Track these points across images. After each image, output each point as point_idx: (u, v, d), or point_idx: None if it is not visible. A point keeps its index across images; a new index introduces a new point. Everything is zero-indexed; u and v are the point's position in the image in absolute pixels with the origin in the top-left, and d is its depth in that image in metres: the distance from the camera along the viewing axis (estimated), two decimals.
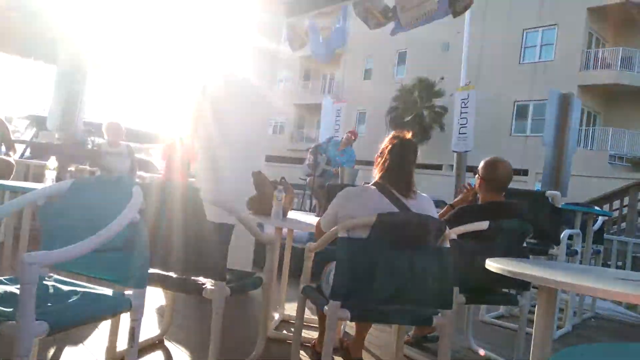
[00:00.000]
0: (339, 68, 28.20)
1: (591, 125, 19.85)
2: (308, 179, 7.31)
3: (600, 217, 4.72)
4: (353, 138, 7.41)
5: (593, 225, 4.39)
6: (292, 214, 3.22)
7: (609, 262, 5.63)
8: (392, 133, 2.35)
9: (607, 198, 8.77)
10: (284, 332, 3.11)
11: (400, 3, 3.85)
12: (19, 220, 3.55)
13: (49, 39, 5.65)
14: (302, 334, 2.47)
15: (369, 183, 2.37)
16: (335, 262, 2.08)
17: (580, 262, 4.12)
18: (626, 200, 8.72)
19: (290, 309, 3.35)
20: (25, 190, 2.53)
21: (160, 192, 2.29)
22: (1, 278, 1.77)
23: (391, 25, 4.11)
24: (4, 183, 3.44)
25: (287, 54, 5.53)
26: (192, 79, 6.46)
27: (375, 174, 2.32)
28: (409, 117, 21.55)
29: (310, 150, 7.09)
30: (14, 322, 1.36)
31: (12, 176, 4.68)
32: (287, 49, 5.26)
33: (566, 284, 1.53)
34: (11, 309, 1.44)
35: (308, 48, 5.41)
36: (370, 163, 2.51)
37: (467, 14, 10.38)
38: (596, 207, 5.30)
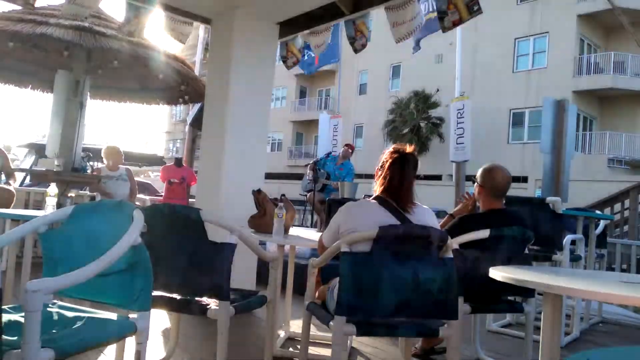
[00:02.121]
0: (334, 84, 28.35)
1: (588, 129, 19.95)
2: (308, 194, 7.31)
3: (602, 221, 4.72)
4: (350, 151, 7.44)
5: (595, 229, 4.39)
6: (293, 231, 3.22)
7: (613, 266, 5.61)
8: (392, 146, 2.36)
9: (608, 201, 8.77)
10: (290, 349, 3.09)
11: (392, 19, 3.90)
12: (21, 248, 3.55)
13: (46, 67, 5.71)
14: (309, 351, 2.46)
15: (370, 196, 2.37)
16: (338, 277, 2.08)
17: (585, 267, 4.11)
18: (627, 203, 8.71)
19: (296, 326, 3.32)
20: (26, 218, 2.53)
21: (161, 214, 2.29)
22: (5, 307, 1.76)
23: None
24: (5, 212, 3.44)
25: (282, 73, 5.58)
26: (190, 101, 6.50)
27: (376, 187, 2.33)
28: (406, 129, 21.65)
29: (308, 165, 7.11)
30: (19, 350, 1.35)
31: (12, 204, 4.69)
32: (282, 69, 5.32)
33: (572, 289, 1.53)
34: (16, 338, 1.44)
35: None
36: (368, 176, 2.52)
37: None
38: (597, 211, 5.29)
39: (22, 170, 6.87)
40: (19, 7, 4.31)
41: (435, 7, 3.63)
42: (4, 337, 1.45)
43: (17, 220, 3.03)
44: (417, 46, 4.40)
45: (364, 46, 4.37)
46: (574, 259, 3.88)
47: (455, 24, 3.52)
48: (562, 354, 1.85)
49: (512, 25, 20.44)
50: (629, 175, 17.51)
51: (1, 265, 3.63)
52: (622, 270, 5.58)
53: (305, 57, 5.26)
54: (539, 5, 20.15)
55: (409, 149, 2.35)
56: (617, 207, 8.87)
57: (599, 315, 4.59)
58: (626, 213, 8.75)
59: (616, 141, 18.88)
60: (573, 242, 3.86)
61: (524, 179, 17.05)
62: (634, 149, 18.97)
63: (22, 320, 1.42)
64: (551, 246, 3.75)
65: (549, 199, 3.85)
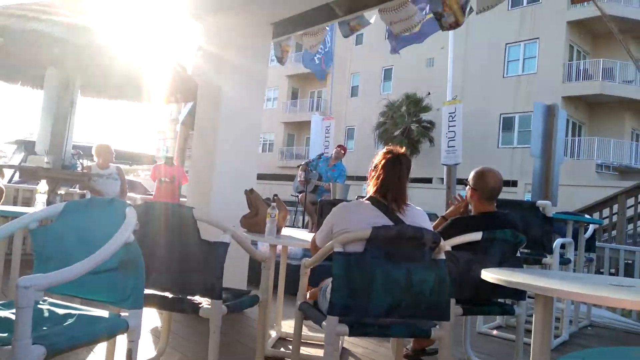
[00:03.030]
0: (326, 86, 28.36)
1: (577, 135, 20.15)
2: (299, 195, 7.31)
3: (591, 225, 4.76)
4: (342, 152, 7.45)
5: (584, 233, 4.43)
6: (285, 231, 3.22)
7: (601, 270, 5.67)
8: (385, 148, 2.37)
9: (597, 206, 8.86)
10: (282, 349, 3.08)
11: (388, 19, 3.92)
12: (9, 245, 3.51)
13: (37, 64, 5.64)
14: (300, 351, 2.45)
15: (363, 197, 2.38)
16: (331, 278, 2.08)
17: (574, 271, 4.14)
18: (615, 208, 8.81)
19: (287, 326, 3.32)
20: (15, 215, 2.50)
21: (154, 212, 2.28)
22: None
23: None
24: None
25: (274, 74, 5.58)
26: (181, 100, 6.47)
27: (369, 188, 2.33)
28: (397, 132, 21.72)
29: (300, 167, 7.10)
30: (9, 347, 1.33)
31: (1, 201, 4.63)
32: (274, 70, 5.31)
33: (567, 292, 1.54)
34: (6, 334, 1.42)
35: (295, 66, 5.48)
36: (359, 178, 2.53)
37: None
38: (587, 216, 5.34)
39: (11, 166, 6.79)
40: (9, 2, 4.26)
41: (430, 10, 3.66)
42: None
43: (6, 216, 3.00)
44: (395, 50, 4.45)
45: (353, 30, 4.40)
46: (564, 262, 3.91)
47: (452, 27, 3.54)
48: (551, 357, 1.86)
49: (503, 30, 20.60)
50: (617, 180, 17.73)
51: None
52: (610, 274, 5.64)
53: (316, 61, 5.29)
54: (530, 11, 20.33)
55: (401, 150, 2.36)
56: (606, 212, 8.97)
57: (587, 318, 4.63)
58: (614, 218, 8.85)
59: (604, 147, 19.08)
60: (562, 246, 3.89)
61: (514, 183, 17.20)
62: (622, 155, 19.20)
63: (13, 317, 1.41)
64: (541, 249, 3.77)
65: (540, 202, 3.87)
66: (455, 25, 3.51)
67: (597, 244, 5.61)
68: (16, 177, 7.15)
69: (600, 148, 19.07)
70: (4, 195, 4.70)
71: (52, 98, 4.99)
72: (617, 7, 17.78)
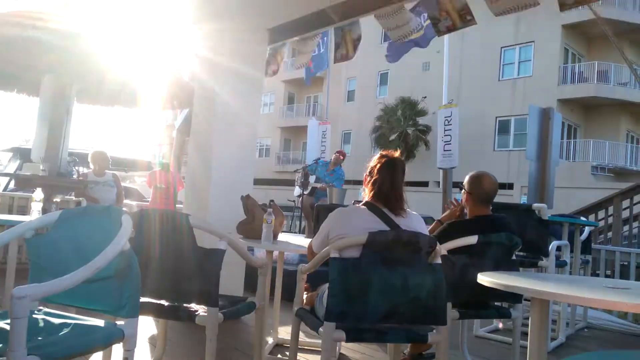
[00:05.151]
0: (322, 90, 28.45)
1: (572, 137, 20.22)
2: (299, 198, 7.33)
3: (586, 228, 4.77)
4: (342, 158, 7.48)
5: (580, 235, 4.44)
6: (282, 236, 3.22)
7: (597, 272, 5.67)
8: (380, 152, 2.38)
9: (592, 208, 8.87)
10: (279, 356, 3.07)
11: (385, 25, 3.94)
12: (4, 254, 3.50)
13: (33, 71, 5.64)
14: (297, 358, 2.45)
15: (359, 202, 2.38)
16: (328, 283, 2.08)
17: (570, 273, 4.15)
18: (611, 210, 8.82)
19: (284, 332, 3.31)
20: (11, 224, 2.49)
21: (150, 219, 2.27)
22: None
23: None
24: None
25: (271, 79, 5.60)
26: (178, 106, 6.47)
27: (365, 193, 2.34)
28: (394, 136, 21.76)
29: (298, 170, 7.13)
30: (4, 358, 1.33)
31: None
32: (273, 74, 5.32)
33: (562, 295, 1.54)
34: (1, 345, 1.41)
35: (291, 72, 5.49)
36: (356, 182, 2.53)
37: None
38: (582, 218, 5.36)
39: (6, 174, 6.77)
40: (4, 10, 4.26)
41: (426, 17, 3.68)
42: None
43: (1, 225, 2.99)
44: (393, 60, 4.50)
45: (343, 58, 4.42)
46: (560, 264, 3.92)
47: (449, 29, 3.56)
48: (548, 359, 1.86)
49: (498, 33, 20.65)
50: (613, 182, 17.76)
51: None
52: (606, 276, 5.64)
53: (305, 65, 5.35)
54: (525, 15, 20.40)
55: (396, 154, 2.36)
56: (601, 214, 8.98)
57: (584, 320, 4.63)
58: (610, 220, 8.86)
59: (600, 149, 19.15)
60: (558, 248, 3.90)
61: (510, 186, 17.21)
62: (617, 157, 19.28)
63: (7, 327, 1.40)
64: (537, 252, 3.78)
65: (535, 205, 3.88)
66: (453, 28, 3.53)
67: (593, 246, 5.62)
68: (11, 185, 7.14)
69: (596, 150, 19.15)
70: None
71: (47, 105, 4.99)
72: (611, 10, 17.88)
